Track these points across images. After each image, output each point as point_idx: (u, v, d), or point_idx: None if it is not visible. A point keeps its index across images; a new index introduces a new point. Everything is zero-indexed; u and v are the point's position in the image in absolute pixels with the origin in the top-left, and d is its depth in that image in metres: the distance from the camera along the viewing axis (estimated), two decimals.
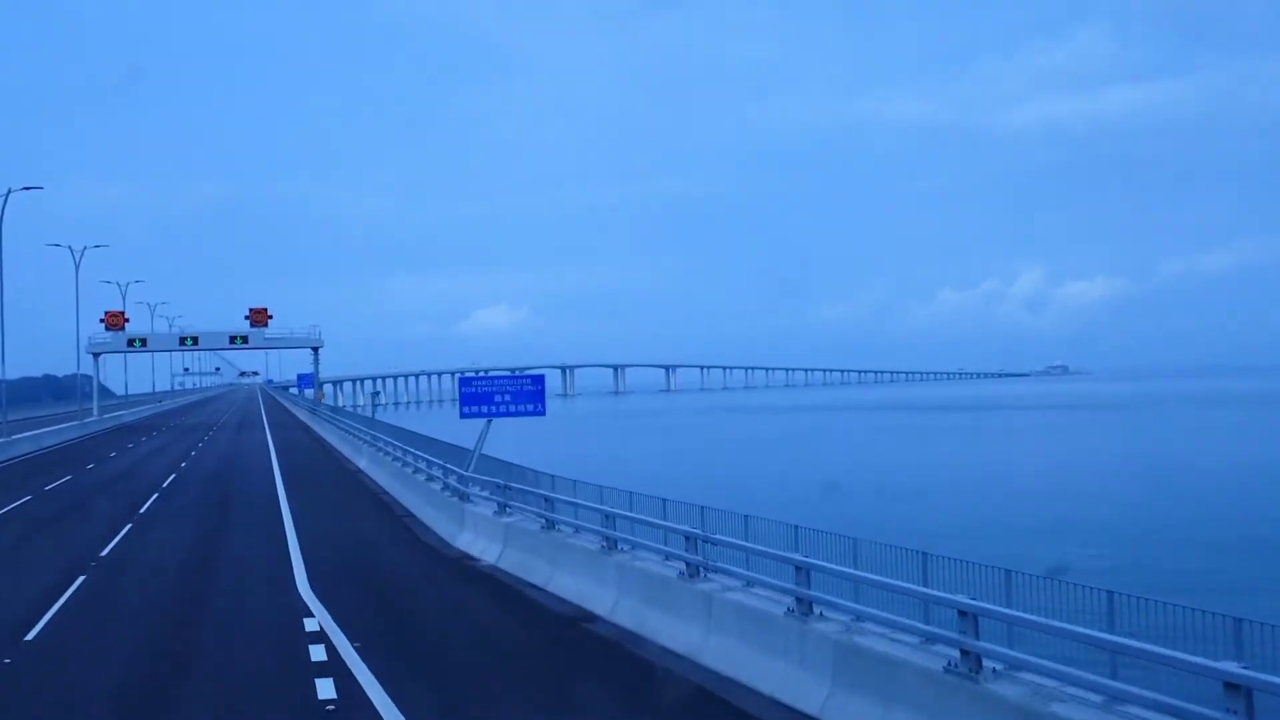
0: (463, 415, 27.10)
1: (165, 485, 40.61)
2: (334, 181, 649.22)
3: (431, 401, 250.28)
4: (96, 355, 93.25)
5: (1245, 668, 8.05)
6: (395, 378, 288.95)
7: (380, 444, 44.56)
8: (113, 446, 66.36)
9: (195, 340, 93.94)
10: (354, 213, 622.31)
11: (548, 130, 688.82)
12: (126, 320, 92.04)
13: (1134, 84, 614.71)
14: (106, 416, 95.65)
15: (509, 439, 28.91)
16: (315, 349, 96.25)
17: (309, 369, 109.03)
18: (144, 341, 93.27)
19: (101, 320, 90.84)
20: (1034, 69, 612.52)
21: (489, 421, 27.30)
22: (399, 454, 37.96)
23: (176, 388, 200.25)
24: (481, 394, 27.13)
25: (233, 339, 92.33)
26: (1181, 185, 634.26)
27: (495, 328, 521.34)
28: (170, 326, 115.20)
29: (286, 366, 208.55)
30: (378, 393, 56.96)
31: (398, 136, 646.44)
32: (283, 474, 43.64)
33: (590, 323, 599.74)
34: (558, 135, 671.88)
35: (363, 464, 47.55)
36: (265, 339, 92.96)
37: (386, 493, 37.01)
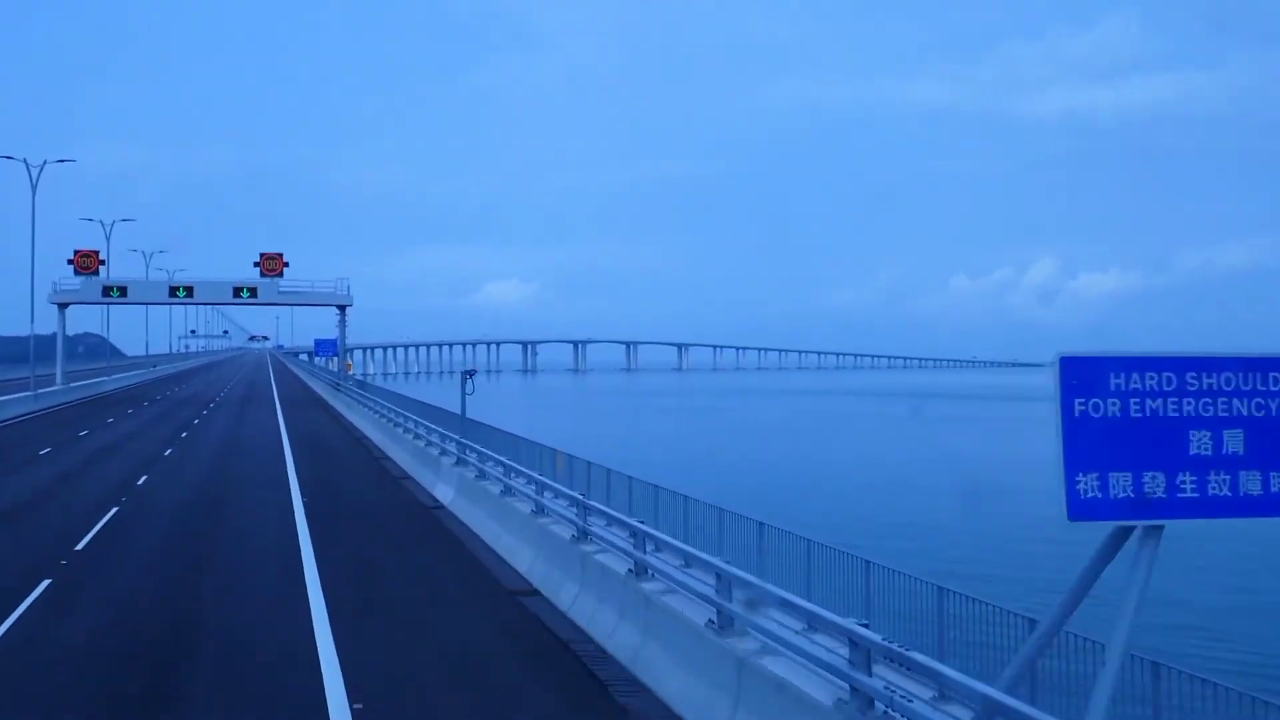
0: (1074, 514, 6.96)
1: (92, 535, 20.64)
2: (346, 152, 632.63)
3: (444, 373, 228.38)
4: (63, 306, 72.64)
5: None
6: (408, 347, 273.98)
7: (479, 464, 24.87)
8: (60, 434, 46.53)
9: (189, 291, 73.92)
10: (367, 183, 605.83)
11: (563, 106, 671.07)
12: (102, 263, 71.71)
13: (1157, 74, 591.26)
14: (75, 385, 75.44)
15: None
16: (342, 308, 76.26)
17: (327, 333, 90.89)
18: (123, 290, 72.97)
19: (70, 261, 70.67)
20: (1057, 56, 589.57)
21: (1155, 538, 7.22)
22: (563, 507, 18.00)
23: (180, 350, 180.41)
24: (1146, 427, 6.96)
25: (237, 291, 72.26)
26: (1199, 178, 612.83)
27: (506, 301, 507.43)
28: (170, 279, 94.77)
29: (300, 332, 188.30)
30: (473, 371, 36.13)
31: (412, 108, 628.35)
32: (312, 530, 23.09)
33: (601, 299, 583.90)
34: (573, 111, 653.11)
35: (445, 495, 27.74)
36: (279, 292, 72.85)
37: (550, 602, 16.80)
